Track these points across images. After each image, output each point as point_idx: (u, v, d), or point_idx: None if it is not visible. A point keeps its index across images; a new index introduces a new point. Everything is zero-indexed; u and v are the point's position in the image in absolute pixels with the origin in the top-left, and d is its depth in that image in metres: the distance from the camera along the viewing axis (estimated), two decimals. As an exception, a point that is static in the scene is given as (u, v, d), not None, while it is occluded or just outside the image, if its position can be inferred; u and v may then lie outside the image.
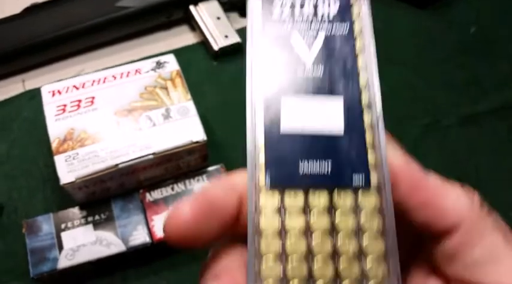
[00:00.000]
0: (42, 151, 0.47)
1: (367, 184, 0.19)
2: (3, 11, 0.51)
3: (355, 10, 0.22)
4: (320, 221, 0.19)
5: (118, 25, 0.51)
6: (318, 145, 0.20)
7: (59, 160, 0.38)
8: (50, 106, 0.41)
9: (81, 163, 0.38)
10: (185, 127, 0.40)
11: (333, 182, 0.19)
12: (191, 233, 0.19)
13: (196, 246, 0.19)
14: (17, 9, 0.51)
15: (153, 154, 0.39)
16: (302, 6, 0.22)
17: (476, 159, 0.48)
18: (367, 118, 0.20)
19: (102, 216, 0.41)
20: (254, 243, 0.19)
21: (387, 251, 0.19)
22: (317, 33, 0.21)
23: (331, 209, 0.19)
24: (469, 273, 0.19)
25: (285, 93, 0.20)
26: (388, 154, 0.20)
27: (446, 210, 0.19)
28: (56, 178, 0.38)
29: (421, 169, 0.20)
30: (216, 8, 0.53)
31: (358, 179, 0.19)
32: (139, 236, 0.40)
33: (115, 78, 0.42)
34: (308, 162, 0.19)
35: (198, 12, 0.53)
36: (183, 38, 0.54)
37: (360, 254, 0.19)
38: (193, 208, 0.19)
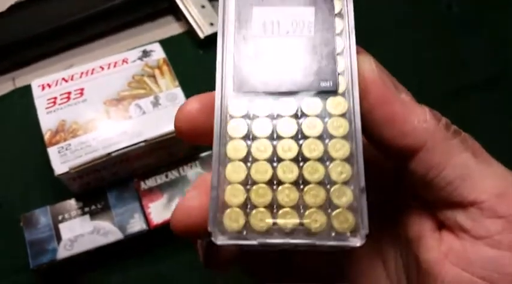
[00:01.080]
0: (36, 146, 0.47)
1: (334, 89, 0.20)
2: (-12, 10, 0.51)
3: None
4: (287, 128, 0.19)
5: (104, 18, 0.52)
6: (287, 52, 0.20)
7: (52, 152, 0.39)
8: (40, 100, 0.41)
9: (74, 154, 0.38)
10: (174, 114, 0.40)
11: (301, 87, 0.20)
12: (200, 123, 0.20)
13: (206, 139, 0.20)
14: (1, 7, 0.51)
15: (145, 141, 0.39)
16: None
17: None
18: (338, 26, 0.21)
19: (98, 206, 0.41)
20: (219, 147, 0.19)
21: (352, 154, 0.19)
22: None
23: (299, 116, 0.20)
24: (447, 194, 0.19)
25: (255, 3, 0.21)
26: (360, 65, 0.20)
27: (410, 128, 0.19)
28: (51, 171, 0.39)
29: (393, 85, 0.20)
30: (200, -3, 0.54)
31: (325, 85, 0.20)
32: (136, 224, 0.41)
33: (103, 68, 0.43)
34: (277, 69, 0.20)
35: (183, 1, 0.53)
36: (169, 28, 0.55)
37: (326, 159, 0.19)
38: (199, 101, 0.20)
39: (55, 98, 0.41)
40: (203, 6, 0.53)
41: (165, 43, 0.47)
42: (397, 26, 0.56)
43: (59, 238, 0.40)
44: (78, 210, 0.41)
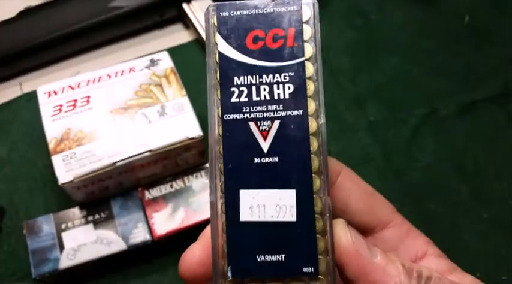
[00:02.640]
0: (41, 153, 0.47)
1: (315, 273, 0.22)
2: (-3, 16, 0.51)
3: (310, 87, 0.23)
4: None
5: (112, 26, 0.51)
6: (273, 236, 0.22)
7: (57, 160, 0.38)
8: (46, 107, 0.41)
9: (79, 162, 0.38)
10: (181, 124, 0.40)
11: (286, 272, 0.22)
12: (201, 274, 0.23)
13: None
14: (11, 13, 0.51)
15: (150, 151, 0.39)
16: (258, 89, 0.23)
17: (475, 147, 0.48)
18: (317, 206, 0.22)
19: (102, 215, 0.41)
20: None
21: None
22: (273, 119, 0.23)
23: None
24: None
25: (242, 186, 0.22)
26: (336, 237, 0.22)
27: None
28: (55, 179, 0.38)
29: (367, 250, 0.22)
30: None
31: (307, 269, 0.22)
32: (140, 234, 0.40)
33: (110, 77, 0.42)
34: (264, 256, 0.22)
35: (191, 9, 0.53)
36: (177, 36, 0.54)
37: None
38: (200, 248, 0.24)
39: (61, 106, 0.41)
40: (212, 15, 0.53)
41: (173, 51, 0.47)
42: (411, 37, 0.55)
43: (61, 247, 0.40)
44: (81, 218, 0.41)
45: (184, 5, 0.53)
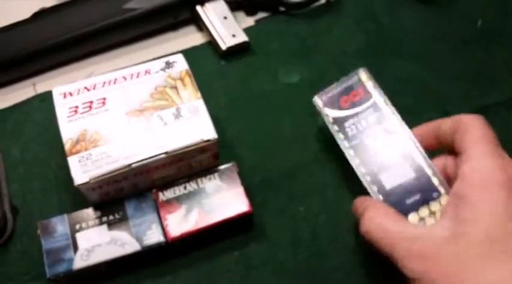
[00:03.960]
0: (55, 153, 0.47)
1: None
2: (12, 17, 0.51)
3: None
4: None
5: (126, 27, 0.52)
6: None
7: (73, 161, 0.38)
8: (62, 108, 0.41)
9: (95, 164, 0.38)
10: (196, 126, 0.40)
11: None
12: None
13: None
14: (26, 14, 0.51)
15: (166, 153, 0.39)
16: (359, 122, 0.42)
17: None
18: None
19: (116, 216, 0.41)
20: None
21: None
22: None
23: None
24: None
25: None
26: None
27: None
28: (69, 180, 0.38)
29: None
30: (223, 8, 0.53)
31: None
32: (154, 236, 0.40)
33: (125, 79, 0.42)
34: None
35: (205, 12, 0.53)
36: (191, 38, 0.55)
37: None
38: None
39: (77, 107, 0.41)
40: (225, 17, 0.53)
41: (186, 53, 0.47)
42: (423, 41, 0.55)
43: (75, 247, 0.40)
44: (95, 219, 0.41)
45: (198, 7, 0.53)
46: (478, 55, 0.54)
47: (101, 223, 0.41)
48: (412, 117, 0.41)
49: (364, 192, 0.40)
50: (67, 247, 0.40)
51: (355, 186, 0.40)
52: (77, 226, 0.41)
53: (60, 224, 0.41)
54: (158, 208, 0.41)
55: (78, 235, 0.40)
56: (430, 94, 0.52)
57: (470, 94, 0.51)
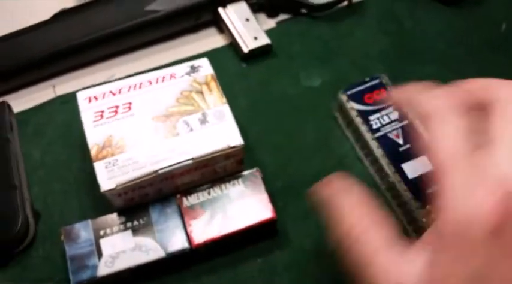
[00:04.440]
0: (76, 156, 0.47)
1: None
2: (32, 18, 0.51)
3: None
4: None
5: (147, 29, 0.51)
6: None
7: (99, 167, 0.38)
8: (87, 113, 0.40)
9: (121, 170, 0.38)
10: (222, 132, 0.40)
11: None
12: None
13: None
14: (46, 15, 0.51)
15: (192, 159, 0.39)
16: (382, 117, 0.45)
17: None
18: None
19: (141, 221, 0.41)
20: None
21: None
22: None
23: None
24: None
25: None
26: None
27: None
28: (91, 183, 0.38)
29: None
30: (245, 10, 0.53)
31: None
32: (178, 242, 0.40)
33: (151, 83, 0.42)
34: None
35: (227, 14, 0.52)
36: (212, 40, 0.54)
37: None
38: None
39: (102, 112, 0.40)
40: (247, 20, 0.52)
41: (207, 55, 0.46)
42: (446, 44, 0.55)
43: (99, 254, 0.39)
44: (120, 225, 0.41)
45: (220, 9, 0.52)
46: (501, 59, 0.53)
47: (126, 229, 0.40)
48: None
49: (387, 202, 0.39)
50: (91, 254, 0.39)
51: (378, 193, 0.39)
52: (101, 232, 0.40)
53: (83, 230, 0.40)
54: (182, 213, 0.41)
55: (102, 241, 0.40)
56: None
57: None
